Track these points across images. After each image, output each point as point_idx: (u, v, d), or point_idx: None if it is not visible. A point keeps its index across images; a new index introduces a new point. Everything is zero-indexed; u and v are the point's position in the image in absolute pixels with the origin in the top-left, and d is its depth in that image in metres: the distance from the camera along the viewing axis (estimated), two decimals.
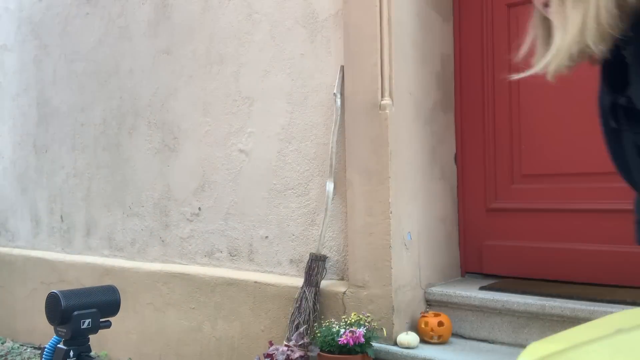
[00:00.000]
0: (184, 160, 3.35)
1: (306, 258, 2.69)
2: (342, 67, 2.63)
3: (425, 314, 2.44)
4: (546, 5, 1.00)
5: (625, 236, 2.48)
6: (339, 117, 2.63)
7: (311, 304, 2.57)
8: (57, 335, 1.07)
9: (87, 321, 1.07)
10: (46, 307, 1.05)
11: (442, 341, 2.38)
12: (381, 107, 2.48)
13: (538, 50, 1.05)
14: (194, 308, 3.16)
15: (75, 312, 1.06)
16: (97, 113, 3.88)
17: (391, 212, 2.44)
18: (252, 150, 3.02)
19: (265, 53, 2.98)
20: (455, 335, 2.47)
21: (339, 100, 2.63)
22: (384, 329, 2.41)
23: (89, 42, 3.95)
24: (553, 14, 0.97)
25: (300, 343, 2.44)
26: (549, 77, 1.03)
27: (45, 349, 1.05)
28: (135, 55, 3.64)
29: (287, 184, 2.87)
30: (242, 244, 3.05)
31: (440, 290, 2.53)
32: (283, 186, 2.89)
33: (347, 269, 2.62)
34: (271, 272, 2.93)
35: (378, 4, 2.49)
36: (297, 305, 2.61)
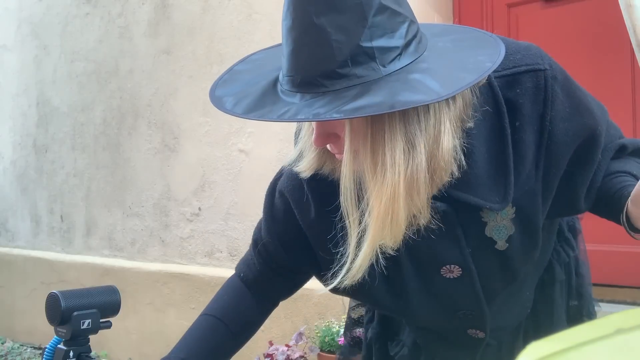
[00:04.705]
0: (184, 160, 3.35)
1: None
2: None
3: None
4: None
5: (625, 236, 2.47)
6: None
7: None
8: (57, 335, 1.07)
9: (87, 321, 1.07)
10: (46, 308, 1.05)
11: None
12: None
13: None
14: (194, 308, 3.16)
15: (75, 313, 1.06)
16: (97, 113, 3.88)
17: None
18: (252, 150, 3.02)
19: None
20: None
21: None
22: None
23: (89, 42, 3.95)
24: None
25: (300, 343, 2.44)
26: None
27: (46, 350, 1.05)
28: (135, 55, 3.64)
29: None
30: (242, 244, 3.05)
31: None
32: None
33: None
34: None
35: None
36: None
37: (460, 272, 0.94)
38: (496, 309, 1.03)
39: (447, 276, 0.95)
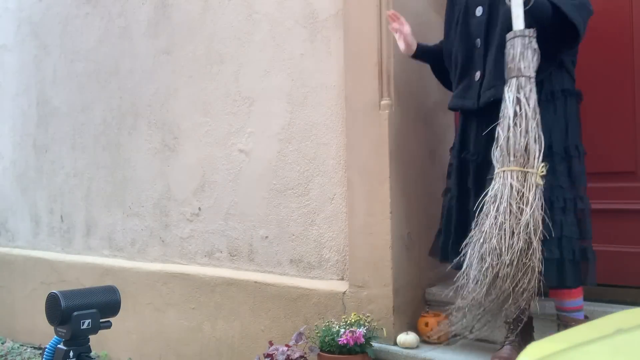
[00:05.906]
0: (184, 160, 3.35)
1: (306, 258, 2.70)
2: None
3: (425, 314, 2.44)
4: None
5: (625, 236, 2.48)
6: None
7: None
8: (57, 335, 1.07)
9: (87, 321, 1.07)
10: (46, 308, 1.05)
11: (442, 341, 2.38)
12: (381, 107, 2.48)
13: None
14: (194, 308, 3.16)
15: (75, 313, 1.06)
16: (97, 113, 3.88)
17: (391, 212, 2.44)
18: (252, 150, 3.02)
19: (265, 53, 2.98)
20: (455, 335, 2.47)
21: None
22: (384, 329, 2.41)
23: (89, 42, 3.95)
24: None
25: (300, 343, 2.44)
26: None
27: (46, 350, 1.05)
28: (135, 55, 3.64)
29: (287, 184, 2.87)
30: (242, 244, 3.05)
31: (440, 291, 2.52)
32: (283, 186, 2.89)
33: (347, 269, 2.62)
34: (271, 272, 2.93)
35: (378, 4, 2.49)
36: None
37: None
38: None
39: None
